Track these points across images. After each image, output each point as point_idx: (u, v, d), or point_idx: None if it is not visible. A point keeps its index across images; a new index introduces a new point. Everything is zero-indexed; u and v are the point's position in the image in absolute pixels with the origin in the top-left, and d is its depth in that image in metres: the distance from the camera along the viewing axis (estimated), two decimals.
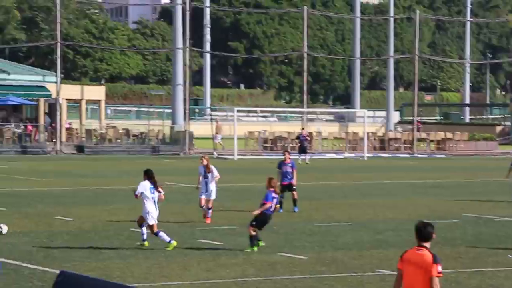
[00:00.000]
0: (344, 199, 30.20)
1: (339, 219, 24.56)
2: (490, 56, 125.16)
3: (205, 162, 23.05)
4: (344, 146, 62.31)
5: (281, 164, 26.24)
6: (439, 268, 9.81)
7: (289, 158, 26.55)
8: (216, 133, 59.42)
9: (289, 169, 26.03)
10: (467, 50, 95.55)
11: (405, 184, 37.06)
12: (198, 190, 23.29)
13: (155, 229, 18.78)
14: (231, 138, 55.06)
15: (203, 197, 22.99)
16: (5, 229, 20.04)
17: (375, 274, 16.71)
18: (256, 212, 18.82)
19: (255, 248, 18.77)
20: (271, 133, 63.96)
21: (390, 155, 60.57)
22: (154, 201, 18.85)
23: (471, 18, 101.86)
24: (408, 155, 61.32)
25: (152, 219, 18.75)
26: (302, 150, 49.28)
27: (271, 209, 18.99)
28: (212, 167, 23.13)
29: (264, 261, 17.65)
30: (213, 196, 23.09)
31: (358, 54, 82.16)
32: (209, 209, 23.09)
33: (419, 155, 61.63)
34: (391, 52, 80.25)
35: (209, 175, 22.98)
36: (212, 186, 23.06)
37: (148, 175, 19.02)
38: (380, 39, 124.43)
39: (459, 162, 55.59)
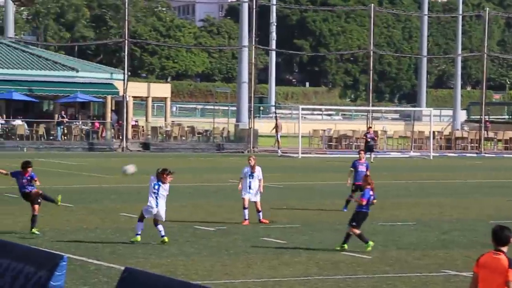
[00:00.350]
0: (409, 198, 29.95)
1: (404, 219, 24.37)
2: None
3: (252, 162, 22.51)
4: (409, 145, 61.77)
5: (356, 163, 26.03)
6: None
7: (364, 158, 26.39)
8: (277, 130, 59.61)
9: (364, 169, 25.69)
10: None
11: (472, 184, 36.59)
12: (240, 190, 22.65)
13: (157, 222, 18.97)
14: (296, 136, 55.01)
15: (246, 197, 22.34)
16: (131, 169, 20.32)
17: (440, 274, 16.55)
18: (351, 198, 18.99)
19: (371, 243, 18.67)
20: (336, 131, 63.71)
21: (456, 155, 59.85)
22: (156, 197, 18.88)
23: None
24: (475, 155, 60.52)
25: (148, 214, 18.93)
26: (368, 148, 49.02)
27: (368, 206, 18.92)
28: (257, 168, 22.57)
29: (327, 260, 17.61)
30: (258, 198, 22.53)
31: (425, 52, 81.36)
32: (259, 212, 22.54)
33: (487, 155, 60.77)
34: (459, 50, 79.29)
35: (254, 175, 22.47)
36: (255, 186, 22.48)
37: (157, 172, 19.18)
38: (448, 37, 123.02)
39: None
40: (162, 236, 18.95)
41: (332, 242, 20.00)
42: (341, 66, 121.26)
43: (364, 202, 18.85)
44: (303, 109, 61.63)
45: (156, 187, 18.98)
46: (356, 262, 17.49)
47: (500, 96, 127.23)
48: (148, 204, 18.98)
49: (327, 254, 18.31)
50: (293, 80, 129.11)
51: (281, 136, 58.38)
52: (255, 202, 22.51)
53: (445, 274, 16.54)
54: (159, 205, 18.92)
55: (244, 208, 22.44)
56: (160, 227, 19.04)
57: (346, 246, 18.73)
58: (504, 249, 9.71)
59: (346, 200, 25.71)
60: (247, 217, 22.38)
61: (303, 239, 20.26)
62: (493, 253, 9.72)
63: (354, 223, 18.79)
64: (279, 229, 21.71)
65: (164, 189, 19.00)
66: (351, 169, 25.86)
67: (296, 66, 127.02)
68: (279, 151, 55.44)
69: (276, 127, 58.70)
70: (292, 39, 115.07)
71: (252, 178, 22.48)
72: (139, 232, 18.99)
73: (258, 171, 22.57)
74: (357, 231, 18.75)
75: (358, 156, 26.70)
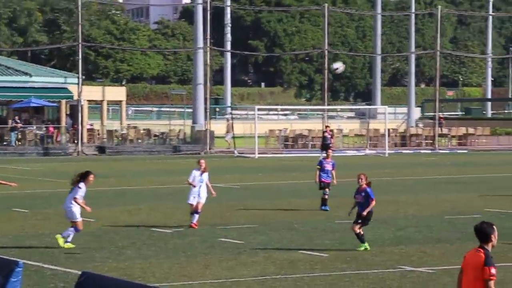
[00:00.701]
0: None
1: None
2: None
3: (203, 166, 22.12)
4: (365, 143, 62.19)
5: (322, 161, 26.23)
6: (492, 271, 9.57)
7: (331, 157, 26.52)
8: (227, 131, 59.98)
9: (330, 168, 25.94)
10: (489, 45, 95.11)
11: (427, 180, 36.93)
12: (190, 194, 22.07)
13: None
14: (252, 136, 55.10)
15: (195, 203, 21.89)
16: (340, 67, 20.17)
17: (396, 270, 16.69)
18: (366, 212, 18.65)
19: (367, 245, 18.69)
20: (292, 131, 63.95)
21: (411, 151, 60.36)
22: (66, 199, 19.17)
23: (493, 12, 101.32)
24: (429, 151, 61.07)
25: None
26: (325, 147, 49.32)
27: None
28: (206, 172, 22.21)
29: (285, 259, 17.68)
30: (203, 200, 22.11)
31: (379, 50, 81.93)
32: (197, 213, 21.99)
33: (441, 151, 61.36)
34: (412, 48, 79.99)
35: (204, 179, 22.12)
36: (204, 190, 22.13)
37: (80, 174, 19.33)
38: (402, 35, 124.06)
39: (481, 157, 55.32)
40: (61, 235, 18.81)
41: (289, 241, 20.08)
42: (296, 66, 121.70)
43: (374, 203, 18.78)
44: (259, 109, 61.72)
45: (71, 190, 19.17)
46: (313, 261, 17.58)
47: (453, 92, 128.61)
48: None
49: (284, 253, 18.37)
50: (249, 81, 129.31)
51: (234, 137, 58.51)
52: (199, 202, 22.01)
53: (402, 270, 16.68)
54: (65, 206, 19.01)
55: (192, 213, 22.03)
56: (70, 229, 18.87)
57: (366, 244, 18.75)
58: (486, 245, 9.69)
59: (321, 199, 25.84)
60: (195, 220, 21.91)
61: (261, 239, 20.31)
62: (476, 249, 9.74)
63: (360, 221, 18.74)
64: (236, 230, 21.74)
65: (80, 191, 18.98)
66: (318, 167, 26.02)
67: (251, 67, 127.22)
68: (235, 151, 55.50)
69: (227, 128, 59.03)
70: (247, 40, 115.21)
71: (202, 182, 22.10)
72: (67, 238, 18.90)
73: (206, 175, 22.26)
74: (358, 230, 18.72)
75: (325, 154, 26.92)
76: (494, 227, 9.79)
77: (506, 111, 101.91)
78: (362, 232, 18.78)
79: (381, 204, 27.64)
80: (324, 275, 16.15)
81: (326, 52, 64.65)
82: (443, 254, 18.52)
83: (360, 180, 18.90)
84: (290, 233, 21.31)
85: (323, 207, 25.77)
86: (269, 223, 23.15)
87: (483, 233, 9.75)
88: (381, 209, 26.43)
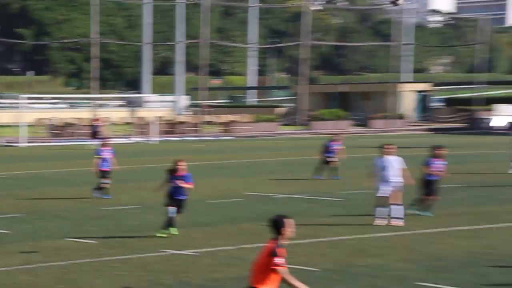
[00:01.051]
0: (132, 183, 30.60)
1: (127, 203, 25.01)
2: (278, 40, 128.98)
3: None
4: (133, 131, 62.66)
5: (100, 150, 26.43)
6: (275, 261, 10.25)
7: (109, 145, 26.71)
8: None
9: (109, 155, 26.26)
10: (252, 35, 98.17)
11: (192, 167, 37.76)
12: None
13: None
14: (19, 125, 54.10)
15: None
16: None
17: (160, 254, 17.33)
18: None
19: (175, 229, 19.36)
20: (60, 120, 63.31)
21: (178, 138, 61.43)
22: None
23: (256, 4, 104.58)
24: (195, 138, 62.39)
25: None
26: (94, 135, 49.52)
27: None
28: None
29: (51, 247, 17.86)
30: None
31: (147, 39, 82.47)
32: None
33: (206, 138, 62.82)
34: (179, 37, 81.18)
35: None
36: None
37: None
38: (171, 24, 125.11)
39: (244, 143, 57.15)
40: None
41: (56, 229, 20.23)
42: (65, 55, 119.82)
43: (192, 186, 19.63)
44: (26, 98, 60.58)
45: None
46: (80, 248, 17.87)
47: (220, 81, 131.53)
48: None
49: (51, 241, 18.53)
50: (16, 69, 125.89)
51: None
52: None
53: (166, 254, 17.34)
54: None
55: None
56: None
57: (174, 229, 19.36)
58: (279, 237, 10.37)
59: (100, 187, 25.96)
60: None
61: (27, 228, 20.31)
62: (271, 239, 10.46)
63: (180, 209, 19.49)
64: (2, 219, 21.58)
65: None
66: (97, 156, 26.19)
67: (18, 55, 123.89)
68: (2, 140, 54.28)
69: None
70: (13, 27, 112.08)
71: None
72: None
73: None
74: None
75: (102, 143, 27.20)
76: (288, 220, 10.42)
77: (269, 99, 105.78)
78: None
79: (148, 190, 28.17)
80: (90, 261, 16.50)
81: (95, 40, 64.38)
82: (205, 236, 19.41)
83: (179, 165, 19.74)
84: (57, 221, 21.45)
85: (95, 194, 25.97)
86: (36, 211, 23.16)
87: (273, 226, 10.46)
88: (148, 195, 27.02)
